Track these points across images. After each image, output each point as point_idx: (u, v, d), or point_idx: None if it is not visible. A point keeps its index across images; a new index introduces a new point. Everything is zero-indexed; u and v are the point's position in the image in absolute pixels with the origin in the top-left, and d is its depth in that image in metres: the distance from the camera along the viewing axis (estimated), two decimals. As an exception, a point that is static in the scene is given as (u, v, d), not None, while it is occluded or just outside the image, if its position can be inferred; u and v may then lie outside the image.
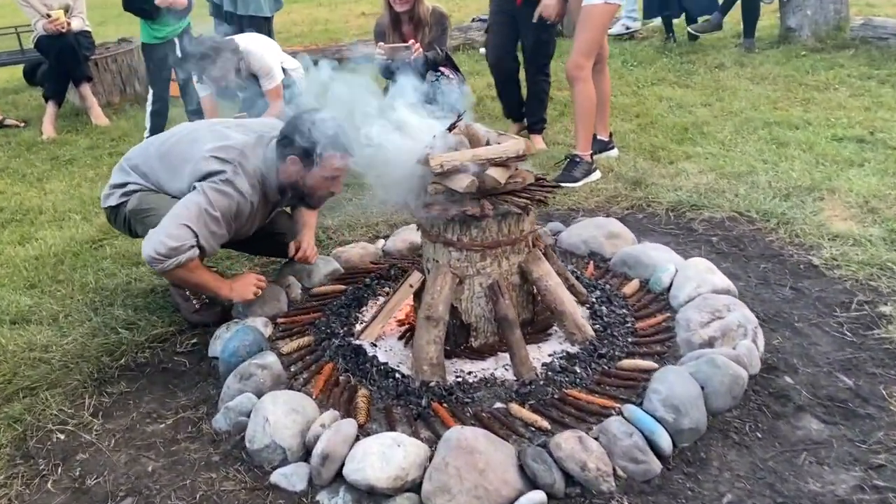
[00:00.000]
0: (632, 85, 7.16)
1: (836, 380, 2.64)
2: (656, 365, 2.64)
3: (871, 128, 5.35)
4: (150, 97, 6.10)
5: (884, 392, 2.55)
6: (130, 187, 3.08)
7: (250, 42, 5.06)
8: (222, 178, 2.80)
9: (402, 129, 2.64)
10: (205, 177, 2.82)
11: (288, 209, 3.50)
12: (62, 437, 2.61)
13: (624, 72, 7.72)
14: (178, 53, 5.39)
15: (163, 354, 3.07)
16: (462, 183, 2.50)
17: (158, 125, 6.01)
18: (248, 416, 2.49)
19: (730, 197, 4.26)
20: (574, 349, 2.73)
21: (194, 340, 3.14)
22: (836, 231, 3.72)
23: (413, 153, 2.61)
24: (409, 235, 3.76)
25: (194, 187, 2.81)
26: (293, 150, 2.81)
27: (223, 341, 2.86)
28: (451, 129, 2.63)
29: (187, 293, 3.26)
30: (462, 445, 2.14)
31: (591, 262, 3.46)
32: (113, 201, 3.11)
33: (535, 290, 2.83)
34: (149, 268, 3.73)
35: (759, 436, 2.39)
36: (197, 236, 2.75)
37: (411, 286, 2.80)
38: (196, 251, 2.77)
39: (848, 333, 2.90)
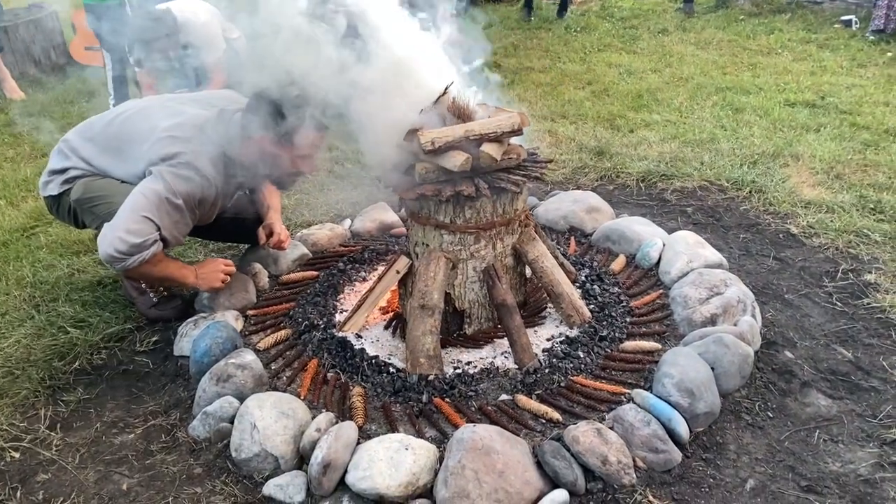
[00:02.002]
0: (578, 51, 7.07)
1: (834, 352, 2.61)
2: (659, 346, 2.55)
3: (821, 92, 5.42)
4: (107, 62, 5.61)
5: (884, 363, 2.53)
6: (72, 173, 2.74)
7: (188, 9, 4.67)
8: (182, 161, 2.51)
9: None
10: (162, 160, 2.51)
11: (247, 190, 3.22)
12: (17, 455, 2.32)
13: (568, 38, 7.62)
14: (129, 12, 4.95)
15: (121, 355, 2.79)
16: (456, 161, 2.32)
17: (123, 92, 5.54)
18: (231, 421, 2.28)
19: (696, 165, 4.21)
20: (573, 332, 2.61)
21: (155, 338, 2.87)
22: (808, 198, 3.71)
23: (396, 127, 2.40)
24: (378, 215, 3.56)
25: (150, 172, 2.51)
26: (262, 127, 2.52)
27: (192, 339, 2.61)
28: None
29: (143, 285, 2.98)
30: (477, 446, 1.99)
31: (573, 237, 3.34)
32: (53, 190, 2.77)
33: (528, 272, 2.70)
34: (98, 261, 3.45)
35: (771, 415, 2.33)
36: (159, 228, 2.47)
37: (398, 272, 2.61)
38: (160, 245, 2.49)
39: (838, 303, 2.87)
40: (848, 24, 7.28)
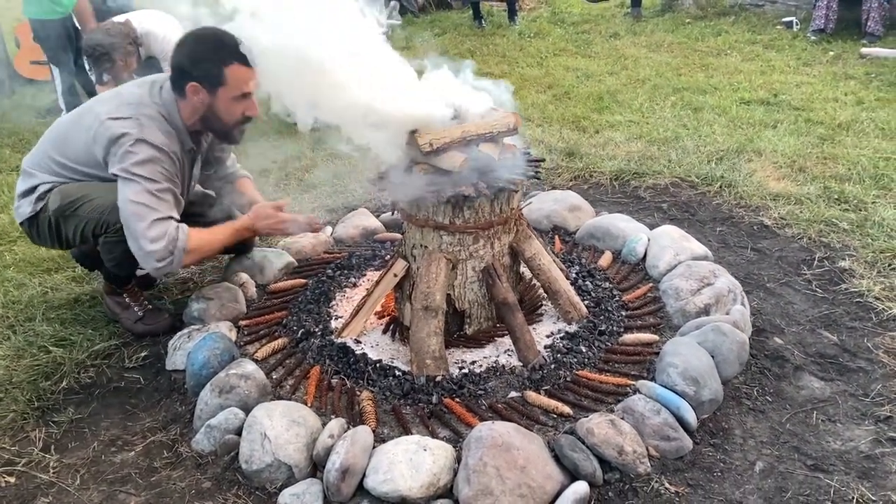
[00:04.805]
0: (535, 56, 7.17)
1: (820, 336, 2.70)
2: (657, 337, 2.60)
3: (773, 90, 5.61)
4: (56, 77, 5.46)
5: (868, 345, 2.63)
6: (42, 188, 2.69)
7: (148, 21, 4.57)
8: (131, 142, 2.46)
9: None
10: (111, 143, 2.47)
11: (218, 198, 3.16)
12: (12, 480, 2.23)
13: (523, 43, 7.73)
14: (77, 25, 4.82)
15: (110, 372, 2.71)
16: (454, 161, 2.33)
17: (75, 105, 5.40)
18: (238, 433, 2.23)
19: (664, 163, 4.31)
20: (572, 328, 2.64)
21: (144, 353, 2.79)
22: (775, 191, 3.84)
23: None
24: (360, 221, 3.54)
25: (117, 176, 2.47)
26: (190, 77, 2.49)
27: (187, 352, 2.55)
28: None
29: (126, 300, 2.90)
30: (497, 443, 2.00)
31: (557, 236, 3.38)
32: (27, 210, 2.70)
33: (523, 271, 2.72)
34: (78, 272, 3.36)
35: (769, 399, 2.40)
36: (168, 217, 2.47)
37: (396, 275, 2.61)
38: (182, 227, 2.50)
39: (818, 290, 2.98)
40: (789, 25, 7.55)
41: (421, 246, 2.54)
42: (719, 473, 2.11)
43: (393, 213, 2.80)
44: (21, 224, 2.80)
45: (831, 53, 6.55)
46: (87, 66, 4.69)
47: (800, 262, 3.18)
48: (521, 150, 2.65)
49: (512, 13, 8.61)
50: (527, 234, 2.63)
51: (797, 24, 7.50)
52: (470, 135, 2.39)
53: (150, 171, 2.47)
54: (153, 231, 2.42)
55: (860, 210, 3.58)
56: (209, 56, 2.47)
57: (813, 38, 7.04)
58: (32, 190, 2.70)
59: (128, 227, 2.44)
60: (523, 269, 2.76)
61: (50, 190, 2.67)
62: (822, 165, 4.13)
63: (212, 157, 3.00)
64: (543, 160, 2.67)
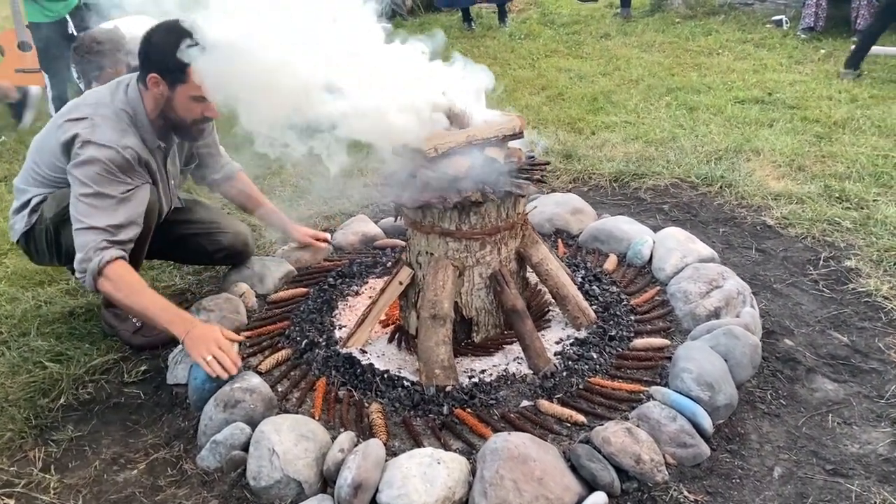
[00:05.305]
0: (526, 58, 7.14)
1: (830, 337, 2.68)
2: (668, 342, 2.56)
3: (767, 89, 5.61)
4: (47, 82, 5.39)
5: (880, 345, 2.61)
6: (35, 201, 2.65)
7: (137, 27, 4.48)
8: (79, 144, 2.41)
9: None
10: (66, 146, 2.45)
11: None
12: (12, 502, 2.16)
13: (514, 45, 7.70)
14: (72, 31, 4.76)
15: (110, 387, 2.64)
16: (460, 167, 2.29)
17: None
18: (244, 449, 2.17)
19: (663, 163, 4.29)
20: (581, 334, 2.60)
21: (144, 367, 2.72)
22: (776, 190, 3.82)
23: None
24: (360, 227, 3.49)
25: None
26: (152, 68, 2.44)
27: (189, 365, 2.49)
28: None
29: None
30: (514, 454, 1.95)
31: (560, 239, 3.34)
32: (21, 226, 2.67)
33: (528, 276, 2.68)
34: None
35: (784, 403, 2.36)
36: (92, 228, 2.37)
37: (401, 283, 2.56)
38: (107, 254, 2.36)
39: (825, 290, 2.96)
40: (779, 23, 7.57)
41: (427, 253, 2.49)
42: (738, 480, 2.07)
43: (396, 220, 2.75)
44: (17, 242, 2.76)
45: (822, 51, 6.56)
46: (74, 74, 4.62)
47: (805, 262, 3.16)
48: (526, 153, 2.61)
49: (502, 15, 8.58)
50: (533, 238, 2.59)
51: (787, 23, 7.51)
52: (475, 139, 2.34)
53: (88, 173, 2.40)
54: (77, 240, 2.40)
55: (862, 208, 3.56)
56: (173, 51, 2.38)
57: (803, 36, 7.05)
58: (25, 205, 2.67)
59: None
60: (528, 273, 2.72)
61: (43, 201, 2.63)
62: (821, 164, 4.12)
63: (196, 153, 2.94)
64: (549, 163, 2.63)
